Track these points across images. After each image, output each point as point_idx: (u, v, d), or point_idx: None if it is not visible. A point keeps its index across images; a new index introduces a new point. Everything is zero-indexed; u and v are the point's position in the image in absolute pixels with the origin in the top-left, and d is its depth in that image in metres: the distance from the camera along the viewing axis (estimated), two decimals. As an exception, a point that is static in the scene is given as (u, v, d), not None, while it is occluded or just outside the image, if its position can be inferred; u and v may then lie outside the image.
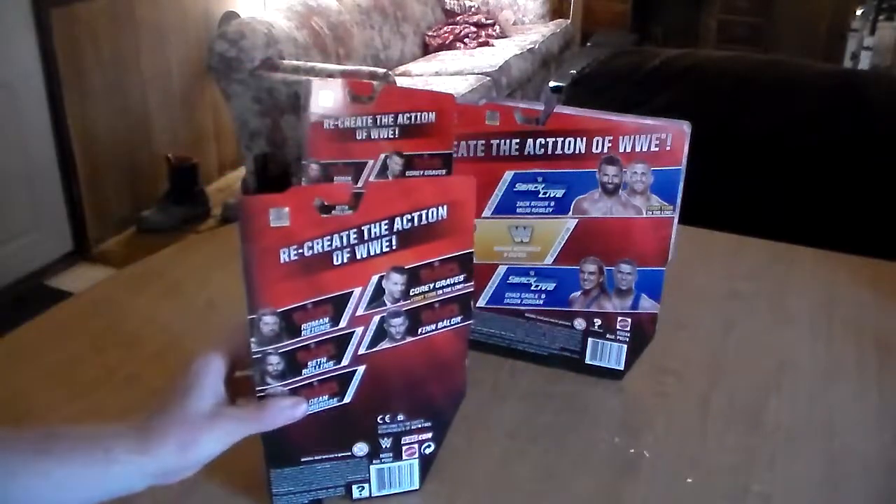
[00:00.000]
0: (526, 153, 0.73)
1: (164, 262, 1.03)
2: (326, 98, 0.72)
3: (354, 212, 0.56)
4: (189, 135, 3.27)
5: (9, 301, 2.52)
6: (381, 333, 0.60)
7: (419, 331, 0.61)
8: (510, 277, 0.78)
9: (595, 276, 0.76)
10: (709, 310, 0.93)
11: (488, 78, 3.46)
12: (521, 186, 0.74)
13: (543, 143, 0.72)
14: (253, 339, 0.56)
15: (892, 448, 0.72)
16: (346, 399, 0.61)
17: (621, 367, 0.78)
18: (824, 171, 1.33)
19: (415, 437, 0.64)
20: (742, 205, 1.35)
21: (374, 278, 0.58)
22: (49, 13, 2.61)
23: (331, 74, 2.79)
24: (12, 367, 0.81)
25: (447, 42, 3.95)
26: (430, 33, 4.02)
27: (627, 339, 0.77)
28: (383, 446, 0.64)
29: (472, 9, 4.26)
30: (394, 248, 0.58)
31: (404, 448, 0.64)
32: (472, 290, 0.61)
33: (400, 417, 0.63)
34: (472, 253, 0.60)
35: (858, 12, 3.48)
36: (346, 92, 0.72)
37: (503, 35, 4.11)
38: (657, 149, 0.71)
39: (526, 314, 0.79)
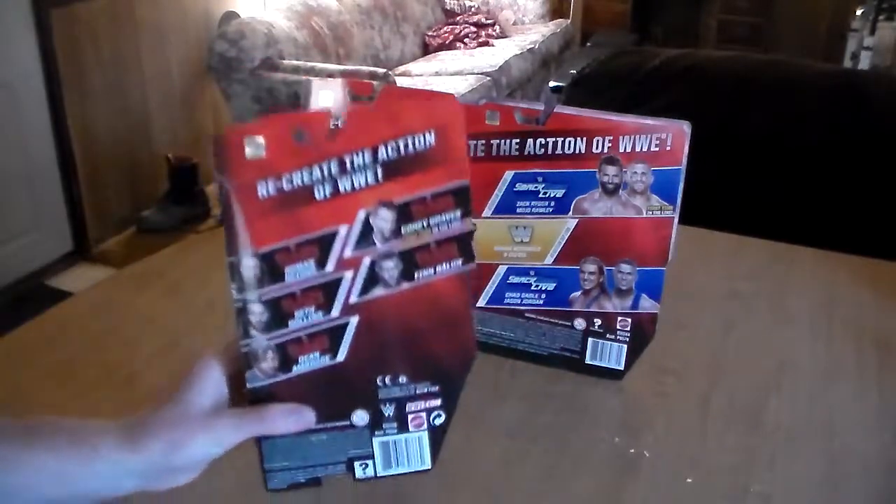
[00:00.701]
0: (526, 153, 0.73)
1: (164, 262, 1.03)
2: (326, 98, 0.66)
3: (334, 141, 0.53)
4: (189, 135, 3.27)
5: (9, 301, 2.52)
6: (373, 279, 0.55)
7: (415, 275, 0.56)
8: (510, 277, 0.78)
9: (595, 276, 0.75)
10: (709, 310, 0.93)
11: (488, 78, 3.46)
12: (521, 186, 0.74)
13: (543, 143, 0.72)
14: (233, 286, 0.53)
15: (892, 448, 0.72)
16: (340, 357, 0.56)
17: (621, 367, 0.78)
18: (824, 171, 1.33)
19: (421, 404, 0.58)
20: (742, 205, 1.35)
21: (361, 214, 0.54)
22: (49, 13, 2.60)
23: (331, 74, 2.79)
24: (12, 367, 0.81)
25: (447, 42, 3.95)
26: (430, 33, 4.02)
27: (627, 339, 0.77)
28: (386, 414, 0.58)
29: (472, 9, 4.26)
30: (380, 180, 0.54)
31: (410, 417, 0.58)
32: (472, 229, 0.55)
33: (402, 380, 0.57)
34: (467, 186, 0.55)
35: (858, 12, 3.48)
36: (346, 92, 0.65)
37: (503, 35, 4.11)
38: (657, 149, 0.71)
39: (526, 314, 0.79)
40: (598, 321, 0.77)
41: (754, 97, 1.42)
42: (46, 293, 2.60)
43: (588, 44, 4.24)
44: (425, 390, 0.58)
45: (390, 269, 0.55)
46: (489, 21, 4.16)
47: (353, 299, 0.55)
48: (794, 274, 1.01)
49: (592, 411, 0.76)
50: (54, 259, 2.80)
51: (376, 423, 0.58)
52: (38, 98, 2.66)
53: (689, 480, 0.67)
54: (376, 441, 0.59)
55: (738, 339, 0.88)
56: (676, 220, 0.73)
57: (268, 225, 0.53)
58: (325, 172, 0.53)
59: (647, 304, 0.75)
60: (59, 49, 2.66)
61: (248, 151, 0.52)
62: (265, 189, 0.52)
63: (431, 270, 0.56)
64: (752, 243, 1.08)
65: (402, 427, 0.59)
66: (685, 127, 0.70)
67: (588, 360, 0.79)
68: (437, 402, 0.58)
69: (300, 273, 0.54)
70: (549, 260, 0.76)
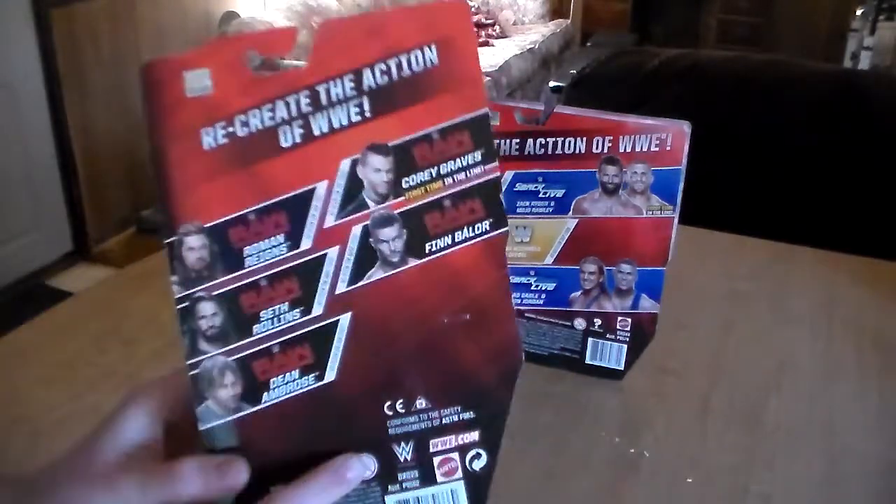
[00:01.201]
0: (526, 153, 0.73)
1: (164, 262, 1.03)
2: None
3: (304, 66, 0.40)
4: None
5: (9, 301, 2.52)
6: (368, 256, 0.41)
7: (426, 247, 0.41)
8: (510, 277, 0.78)
9: (595, 276, 0.75)
10: (709, 310, 0.93)
11: (488, 78, 3.46)
12: (521, 186, 0.74)
13: (543, 143, 0.72)
14: (174, 279, 0.40)
15: (892, 448, 0.72)
16: (329, 375, 0.41)
17: (621, 367, 0.78)
18: (824, 171, 1.33)
19: (451, 440, 0.42)
20: (742, 205, 1.35)
21: (345, 165, 0.40)
22: (49, 13, 2.61)
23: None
24: (12, 367, 0.81)
25: (447, 42, 3.95)
26: (430, 33, 4.02)
27: (627, 339, 0.77)
28: (401, 458, 0.42)
29: (472, 9, 4.26)
30: (367, 115, 0.40)
31: (437, 461, 0.42)
32: (498, 176, 0.41)
33: (420, 403, 0.41)
34: (486, 115, 0.41)
35: (858, 12, 3.48)
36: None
37: (503, 35, 4.11)
38: (657, 149, 0.71)
39: (526, 314, 0.79)
40: (598, 321, 0.77)
41: (754, 97, 1.42)
42: (46, 293, 2.60)
43: (588, 44, 4.24)
44: (455, 418, 0.42)
45: (391, 239, 0.41)
46: (489, 21, 4.16)
47: (342, 288, 0.41)
48: (794, 274, 1.01)
49: (592, 411, 0.76)
50: (54, 259, 2.80)
51: (388, 472, 0.42)
52: (38, 98, 2.66)
53: (689, 480, 0.67)
54: (391, 501, 0.42)
55: (738, 339, 0.88)
56: (676, 220, 0.73)
57: (217, 188, 0.40)
58: (293, 109, 0.40)
59: (647, 304, 0.75)
60: (59, 49, 2.66)
61: (189, 86, 0.39)
62: (212, 137, 0.40)
63: (448, 238, 0.41)
64: (752, 243, 1.08)
65: (427, 477, 0.42)
66: (685, 127, 0.70)
67: (588, 360, 0.79)
68: (474, 434, 0.43)
69: (265, 254, 0.40)
70: (549, 260, 0.76)
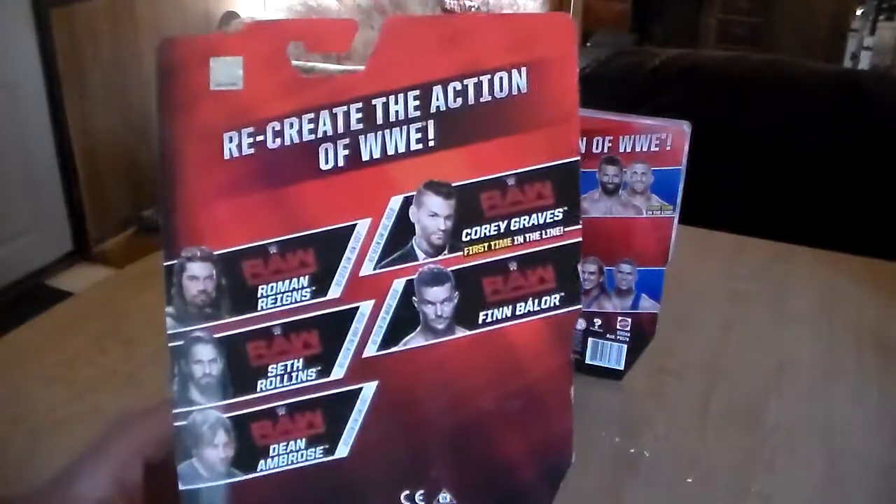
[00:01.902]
0: (526, 153, 0.73)
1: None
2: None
3: (360, 71, 0.33)
4: (189, 135, 3.27)
5: (9, 301, 2.52)
6: (408, 317, 0.34)
7: (480, 316, 0.34)
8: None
9: (595, 275, 0.75)
10: (709, 310, 0.93)
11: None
12: (521, 186, 0.74)
13: (543, 143, 0.72)
14: (169, 310, 0.34)
15: (892, 448, 0.72)
16: (341, 450, 0.34)
17: (621, 367, 0.78)
18: (824, 171, 1.33)
19: None
20: (742, 205, 1.35)
21: (395, 202, 0.33)
22: (49, 13, 2.60)
23: (332, 74, 2.79)
24: (12, 367, 0.81)
25: (447, 42, 3.95)
26: (430, 33, 4.02)
27: (627, 339, 0.77)
28: None
29: (472, 9, 4.26)
30: (431, 144, 0.33)
31: None
32: (578, 243, 0.34)
33: (445, 498, 0.35)
34: (577, 166, 0.34)
35: (858, 12, 3.48)
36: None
37: (503, 35, 4.10)
38: (657, 149, 0.71)
39: (526, 314, 0.79)
40: (598, 321, 0.77)
41: (754, 97, 1.42)
42: (46, 293, 2.60)
43: (588, 44, 4.25)
44: None
45: (439, 301, 0.34)
46: (489, 21, 4.16)
47: (371, 351, 0.34)
48: (794, 274, 1.01)
49: (592, 411, 0.76)
50: (54, 259, 2.80)
51: None
52: (38, 98, 2.66)
53: (689, 480, 0.67)
54: None
55: (738, 339, 0.88)
56: (676, 220, 0.73)
57: (234, 208, 0.33)
58: (341, 124, 0.33)
59: (647, 304, 0.75)
60: (59, 49, 2.66)
61: (215, 77, 0.32)
62: (236, 145, 0.33)
63: (508, 309, 0.34)
64: (752, 243, 1.08)
65: None
66: (685, 127, 0.70)
67: (588, 360, 0.79)
68: None
69: (284, 298, 0.34)
70: (549, 260, 0.76)
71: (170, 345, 0.34)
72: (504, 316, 0.34)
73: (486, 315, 0.34)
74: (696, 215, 0.89)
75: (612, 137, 0.71)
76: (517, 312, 0.34)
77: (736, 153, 1.36)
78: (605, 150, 0.71)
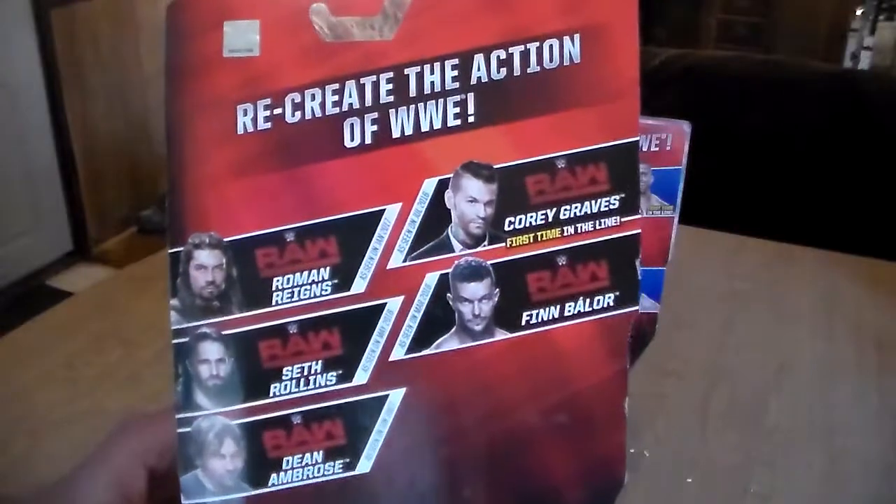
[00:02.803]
0: (526, 153, 0.72)
1: (164, 262, 1.03)
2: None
3: (391, 37, 0.29)
4: (189, 135, 3.27)
5: (9, 301, 2.52)
6: (441, 316, 0.30)
7: (523, 317, 0.30)
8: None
9: (595, 276, 0.75)
10: (709, 310, 0.93)
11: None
12: (521, 186, 0.74)
13: (543, 143, 0.72)
14: (174, 303, 0.30)
15: (891, 448, 0.72)
16: (364, 465, 0.30)
17: (621, 367, 0.78)
18: (824, 171, 1.33)
19: None
20: (742, 205, 1.35)
21: (429, 185, 0.29)
22: (49, 13, 2.61)
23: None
24: (12, 367, 0.81)
25: (447, 42, 3.95)
26: (430, 33, 4.02)
27: (627, 339, 0.77)
28: None
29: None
30: (470, 121, 0.29)
31: None
32: (637, 234, 0.31)
33: None
34: (636, 147, 0.30)
35: (858, 12, 3.48)
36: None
37: (503, 35, 4.11)
38: (657, 149, 0.71)
39: (526, 314, 0.79)
40: (598, 321, 0.77)
41: (754, 97, 1.42)
42: (46, 293, 2.60)
43: (588, 44, 4.24)
44: None
45: (477, 299, 0.30)
46: (489, 21, 4.16)
47: (399, 354, 0.30)
48: (794, 274, 1.01)
49: (592, 411, 0.76)
50: (54, 259, 2.79)
51: None
52: (38, 98, 2.66)
53: (689, 480, 0.67)
54: None
55: (738, 339, 0.88)
56: (676, 220, 0.73)
57: (247, 189, 0.29)
58: (369, 96, 0.29)
59: (647, 304, 0.75)
60: (59, 49, 2.66)
61: (229, 42, 0.29)
62: (251, 119, 0.29)
63: (555, 310, 0.30)
64: (752, 243, 1.08)
65: None
66: (685, 127, 0.70)
67: (588, 360, 0.79)
68: None
69: (301, 291, 0.30)
70: (549, 260, 0.76)
71: (173, 342, 0.30)
72: (551, 317, 0.30)
73: (531, 316, 0.30)
74: (696, 215, 0.89)
75: (612, 137, 0.71)
76: (565, 313, 0.30)
77: (736, 153, 1.36)
78: (605, 150, 0.71)
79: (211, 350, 0.30)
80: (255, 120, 0.29)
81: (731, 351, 0.86)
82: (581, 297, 0.30)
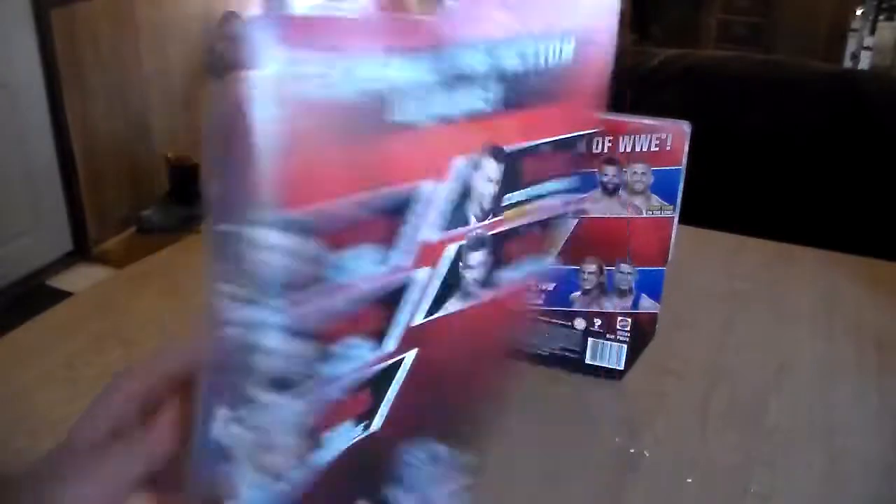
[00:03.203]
0: (526, 153, 0.72)
1: (164, 262, 1.03)
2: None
3: (445, 16, 0.28)
4: (189, 135, 3.27)
5: (9, 301, 2.52)
6: (452, 283, 0.32)
7: (494, 279, 0.33)
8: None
9: (595, 275, 0.75)
10: (709, 310, 0.93)
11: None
12: (521, 186, 0.74)
13: (543, 143, 0.72)
14: (227, 288, 0.29)
15: (891, 448, 0.72)
16: (377, 423, 0.32)
17: (621, 367, 0.78)
18: (824, 171, 1.33)
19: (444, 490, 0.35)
20: (742, 205, 1.35)
21: (459, 164, 0.30)
22: (49, 13, 2.61)
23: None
24: (12, 367, 0.81)
25: (447, 42, 3.95)
26: (430, 33, 4.01)
27: (627, 339, 0.77)
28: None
29: None
30: (491, 106, 0.30)
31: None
32: (570, 213, 0.34)
33: (420, 455, 0.34)
34: (591, 136, 0.33)
35: (858, 12, 3.48)
36: None
37: (503, 35, 4.10)
38: (657, 149, 0.71)
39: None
40: (598, 321, 0.77)
41: (754, 97, 1.42)
42: (46, 293, 2.60)
43: (588, 44, 4.23)
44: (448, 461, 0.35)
45: (477, 265, 0.32)
46: (489, 21, 4.16)
47: (419, 319, 0.31)
48: (794, 274, 1.01)
49: (592, 411, 0.76)
50: (54, 259, 2.80)
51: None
52: (38, 98, 2.66)
53: (689, 480, 0.67)
54: None
55: (738, 339, 0.88)
56: (676, 220, 0.73)
57: (308, 160, 0.25)
58: (418, 70, 0.27)
59: (647, 304, 0.75)
60: (59, 49, 2.66)
61: None
62: (319, 84, 0.25)
63: (512, 271, 0.34)
64: (752, 243, 1.08)
65: None
66: (685, 127, 0.70)
67: (588, 360, 0.79)
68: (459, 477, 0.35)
69: (359, 268, 0.28)
70: (549, 260, 0.76)
71: (231, 333, 0.28)
72: (510, 277, 0.34)
73: (502, 277, 0.34)
74: (696, 215, 0.89)
75: (611, 137, 0.71)
76: (515, 274, 0.34)
77: (736, 153, 1.36)
78: (605, 151, 0.71)
79: (273, 339, 0.27)
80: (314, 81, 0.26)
81: (731, 351, 0.86)
82: (525, 259, 0.35)
